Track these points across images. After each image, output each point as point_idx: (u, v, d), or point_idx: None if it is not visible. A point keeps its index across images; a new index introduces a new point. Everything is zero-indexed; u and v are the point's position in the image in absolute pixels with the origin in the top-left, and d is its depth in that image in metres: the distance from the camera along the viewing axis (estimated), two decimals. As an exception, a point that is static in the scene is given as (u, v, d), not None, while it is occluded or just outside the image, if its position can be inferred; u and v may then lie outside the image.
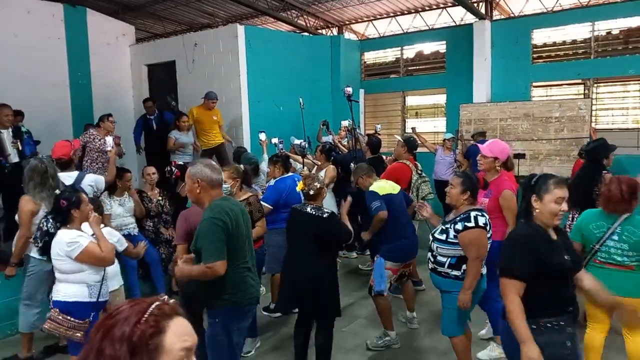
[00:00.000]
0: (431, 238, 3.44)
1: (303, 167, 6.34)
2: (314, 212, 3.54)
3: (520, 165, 8.05)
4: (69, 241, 3.22)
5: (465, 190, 3.28)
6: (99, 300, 3.36)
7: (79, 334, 3.20)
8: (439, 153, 8.19)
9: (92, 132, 6.02)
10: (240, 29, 8.41)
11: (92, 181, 4.55)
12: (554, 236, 2.45)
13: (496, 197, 3.79)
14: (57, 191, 3.56)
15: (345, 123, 7.74)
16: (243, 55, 8.37)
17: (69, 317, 3.22)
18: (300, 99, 7.06)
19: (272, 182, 4.89)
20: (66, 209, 3.30)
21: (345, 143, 7.55)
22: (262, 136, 6.43)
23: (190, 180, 2.84)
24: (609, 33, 8.46)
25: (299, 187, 3.72)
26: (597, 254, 3.30)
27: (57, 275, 3.30)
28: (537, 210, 2.43)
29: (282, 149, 6.46)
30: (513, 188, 3.91)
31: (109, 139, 5.13)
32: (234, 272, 2.82)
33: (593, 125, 8.13)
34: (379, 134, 7.55)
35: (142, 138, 8.28)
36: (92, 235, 3.37)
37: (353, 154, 6.14)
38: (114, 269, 3.92)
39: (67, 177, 4.47)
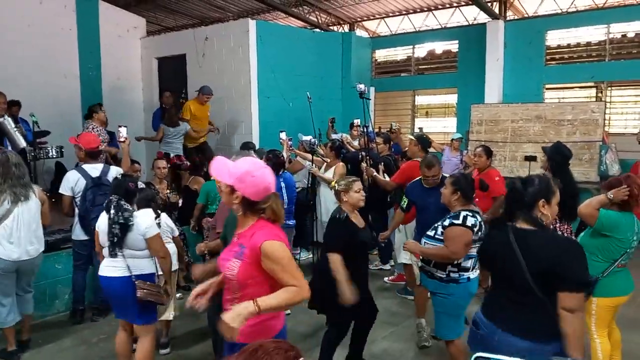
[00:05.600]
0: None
1: (312, 165, 6.27)
2: (335, 214, 3.49)
3: (532, 170, 7.97)
4: (149, 224, 3.38)
5: (455, 191, 3.29)
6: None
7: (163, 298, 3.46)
8: (445, 153, 8.11)
9: (93, 124, 6.05)
10: (252, 24, 8.36)
11: (117, 173, 4.56)
12: None
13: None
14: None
15: (357, 121, 7.65)
16: (254, 50, 8.33)
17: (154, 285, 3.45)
18: (308, 93, 7.01)
19: None
20: (134, 191, 3.47)
21: (356, 144, 7.46)
22: (283, 135, 6.37)
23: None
24: (624, 36, 8.37)
25: (331, 185, 3.72)
26: (622, 258, 3.17)
27: (127, 252, 3.33)
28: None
29: (290, 146, 6.41)
30: (282, 237, 2.11)
31: (123, 130, 5.05)
32: None
33: (606, 129, 8.04)
34: (394, 132, 7.49)
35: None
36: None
37: (365, 152, 6.03)
38: (172, 249, 4.06)
39: (93, 169, 4.53)
